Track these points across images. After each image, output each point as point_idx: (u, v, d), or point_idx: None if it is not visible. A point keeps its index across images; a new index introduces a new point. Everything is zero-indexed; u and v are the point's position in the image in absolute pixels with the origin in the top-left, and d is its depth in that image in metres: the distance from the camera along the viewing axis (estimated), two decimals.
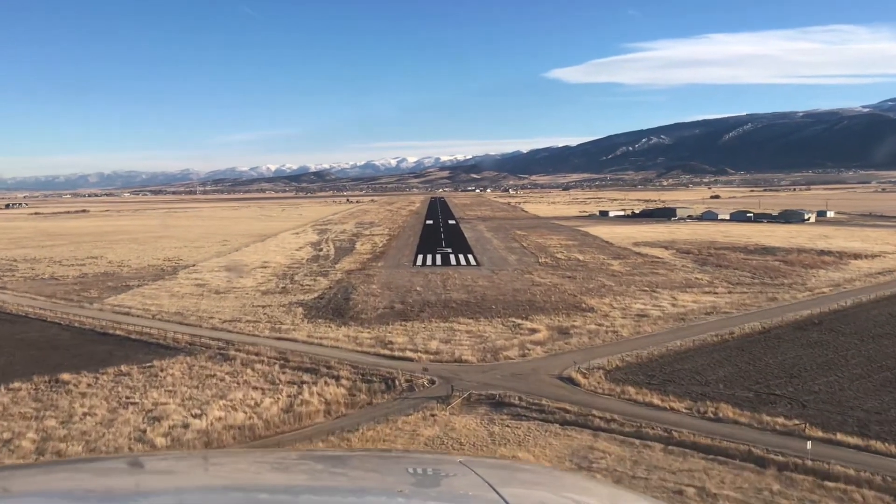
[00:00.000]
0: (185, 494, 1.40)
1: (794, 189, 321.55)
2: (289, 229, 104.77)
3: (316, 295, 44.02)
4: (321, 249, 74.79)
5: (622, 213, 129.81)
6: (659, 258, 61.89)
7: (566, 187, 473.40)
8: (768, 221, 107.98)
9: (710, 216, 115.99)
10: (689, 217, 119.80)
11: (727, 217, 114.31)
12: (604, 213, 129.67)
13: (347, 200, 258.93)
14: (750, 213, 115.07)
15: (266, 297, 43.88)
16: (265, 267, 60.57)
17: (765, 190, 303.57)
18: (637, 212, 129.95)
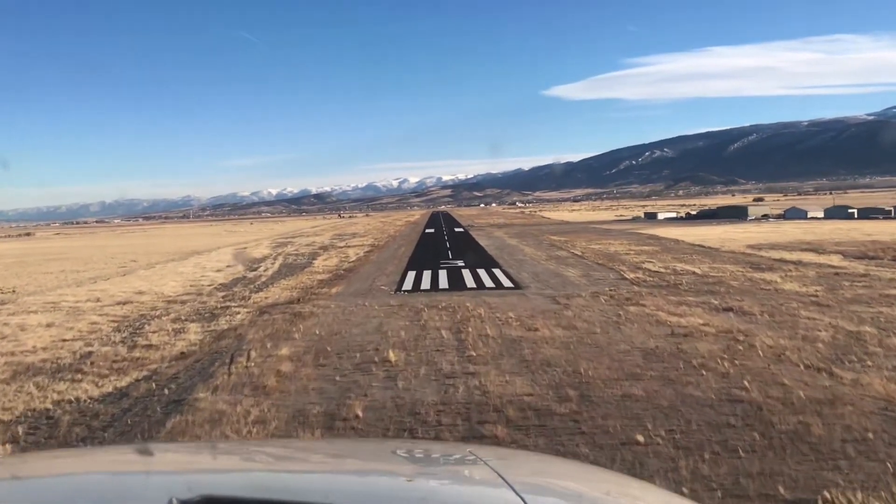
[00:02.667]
0: (193, 476, 1.40)
1: (830, 193, 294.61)
2: (237, 244, 78.01)
3: (109, 389, 16.71)
4: (257, 268, 47.53)
5: (674, 215, 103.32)
6: (844, 269, 34.44)
7: (577, 199, 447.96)
8: (883, 217, 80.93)
9: (796, 214, 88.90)
10: (765, 216, 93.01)
11: (820, 214, 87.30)
12: (651, 216, 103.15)
13: (339, 216, 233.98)
14: (851, 208, 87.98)
15: None
16: (128, 302, 33.27)
17: (798, 195, 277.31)
18: (693, 213, 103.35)
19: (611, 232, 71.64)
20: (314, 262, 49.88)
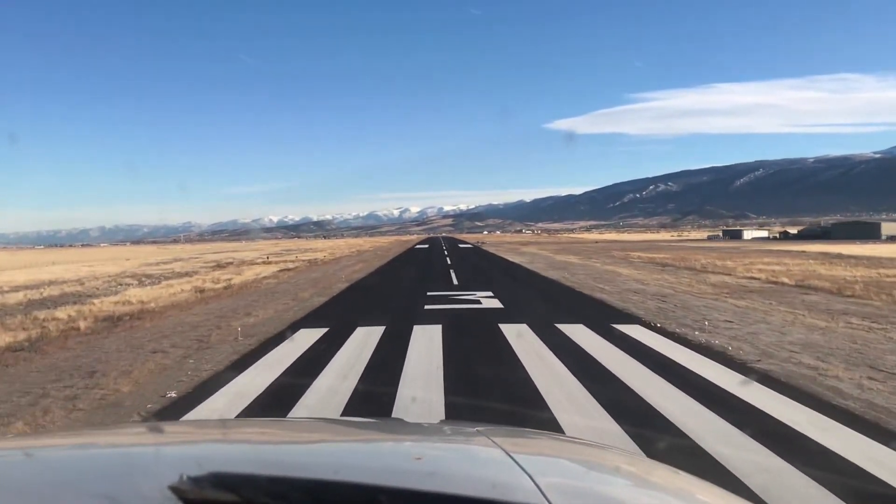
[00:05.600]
0: (203, 453, 1.51)
1: None
2: (99, 259, 50.02)
3: None
4: None
5: (765, 234, 76.67)
6: None
7: (587, 228, 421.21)
8: None
9: None
10: None
11: None
12: (733, 234, 76.10)
13: (324, 237, 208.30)
14: None
15: None
16: None
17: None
18: (792, 232, 76.07)
19: (722, 249, 43.02)
20: (127, 290, 21.02)
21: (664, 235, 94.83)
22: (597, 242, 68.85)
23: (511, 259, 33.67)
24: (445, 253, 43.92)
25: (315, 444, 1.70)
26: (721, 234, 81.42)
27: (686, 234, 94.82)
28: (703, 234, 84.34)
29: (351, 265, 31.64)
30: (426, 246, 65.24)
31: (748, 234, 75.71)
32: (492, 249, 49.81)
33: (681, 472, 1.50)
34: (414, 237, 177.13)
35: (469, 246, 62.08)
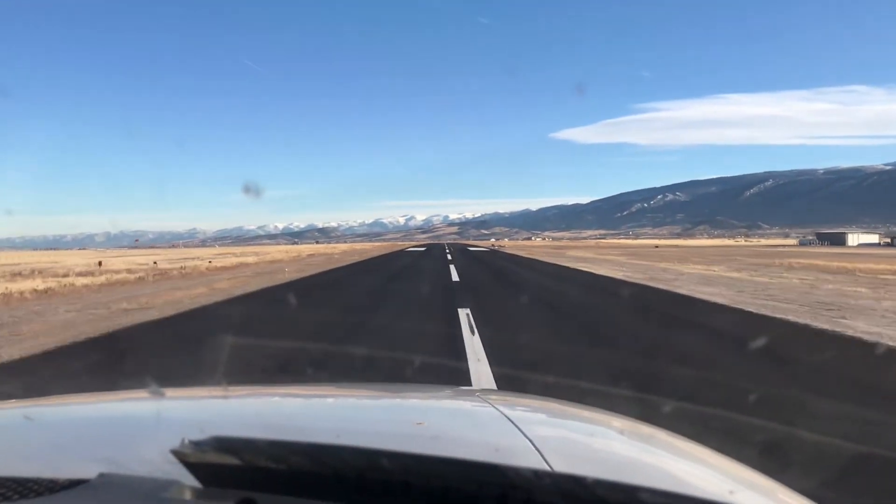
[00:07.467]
0: (205, 418, 1.54)
1: None
2: None
3: None
4: None
5: (875, 239, 61.10)
6: None
7: (598, 237, 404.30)
8: None
9: None
10: None
11: None
12: (833, 239, 59.92)
13: (316, 242, 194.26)
14: None
15: None
16: None
17: None
18: None
19: (855, 256, 25.31)
20: None
21: (730, 242, 77.90)
22: (657, 247, 52.01)
23: (571, 266, 16.23)
24: (449, 258, 26.76)
25: (316, 409, 1.73)
26: (815, 238, 65.29)
27: (760, 240, 77.83)
28: (784, 241, 68.21)
29: (240, 278, 14.64)
30: (422, 249, 48.56)
31: (853, 240, 59.62)
32: (523, 253, 32.54)
33: (682, 437, 1.53)
34: (415, 243, 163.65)
35: (484, 250, 45.12)
